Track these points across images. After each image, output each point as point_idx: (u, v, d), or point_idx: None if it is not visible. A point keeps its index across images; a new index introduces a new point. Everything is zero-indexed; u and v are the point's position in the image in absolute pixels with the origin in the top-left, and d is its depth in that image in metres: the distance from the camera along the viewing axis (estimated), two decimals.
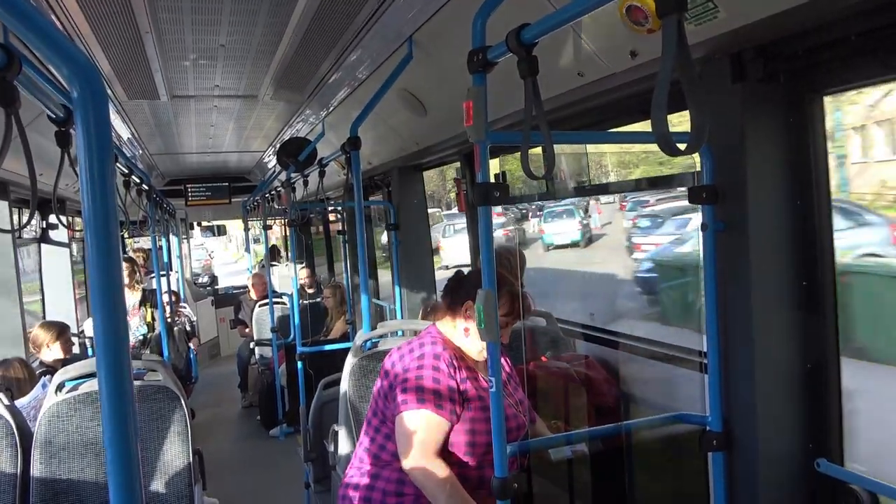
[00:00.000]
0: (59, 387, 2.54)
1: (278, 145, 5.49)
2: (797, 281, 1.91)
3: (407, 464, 2.10)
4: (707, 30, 1.72)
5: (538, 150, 1.62)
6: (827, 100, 1.87)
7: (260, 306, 7.03)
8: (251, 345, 7.12)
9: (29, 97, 1.53)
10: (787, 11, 1.55)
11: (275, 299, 6.31)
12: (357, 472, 2.26)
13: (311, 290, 7.45)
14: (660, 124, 1.06)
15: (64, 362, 3.92)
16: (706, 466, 2.05)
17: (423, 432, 2.07)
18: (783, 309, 1.90)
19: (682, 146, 1.12)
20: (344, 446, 2.80)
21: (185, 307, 7.94)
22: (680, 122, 1.77)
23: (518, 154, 1.58)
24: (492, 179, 1.68)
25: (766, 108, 1.86)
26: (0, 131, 1.43)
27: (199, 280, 11.87)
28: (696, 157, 1.95)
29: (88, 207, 0.80)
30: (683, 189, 2.05)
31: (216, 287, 11.56)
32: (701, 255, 1.95)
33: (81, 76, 0.77)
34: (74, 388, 2.54)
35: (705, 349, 2.00)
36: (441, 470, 2.05)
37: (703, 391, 2.05)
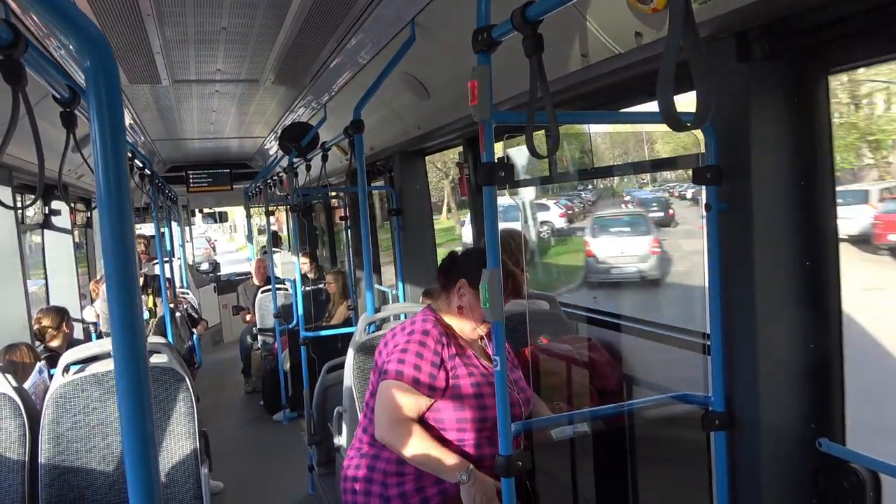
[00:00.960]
0: (66, 369, 2.56)
1: (280, 130, 5.48)
2: (801, 261, 1.91)
3: (378, 430, 2.15)
4: (712, 8, 1.72)
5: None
6: None
7: (262, 292, 7.05)
8: (254, 330, 7.15)
9: (35, 76, 1.53)
10: None
11: (277, 285, 6.33)
12: (357, 453, 2.29)
13: (312, 276, 7.47)
14: (666, 100, 1.06)
15: (68, 346, 3.95)
16: (708, 446, 2.06)
17: (396, 401, 2.12)
18: (786, 289, 1.91)
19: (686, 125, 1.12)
20: (347, 429, 2.82)
21: (187, 293, 7.96)
22: (684, 103, 1.76)
23: (521, 137, 1.59)
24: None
25: (771, 88, 1.85)
26: (4, 113, 1.44)
27: (202, 267, 11.88)
28: (700, 136, 1.95)
29: (102, 180, 0.80)
30: None
31: (219, 274, 11.58)
32: (704, 236, 1.96)
33: (93, 48, 0.78)
34: (81, 370, 2.55)
35: (709, 330, 2.01)
36: (409, 429, 2.10)
37: (706, 372, 2.06)
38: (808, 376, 1.92)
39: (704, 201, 1.94)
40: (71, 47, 2.89)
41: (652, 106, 2.30)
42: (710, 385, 2.01)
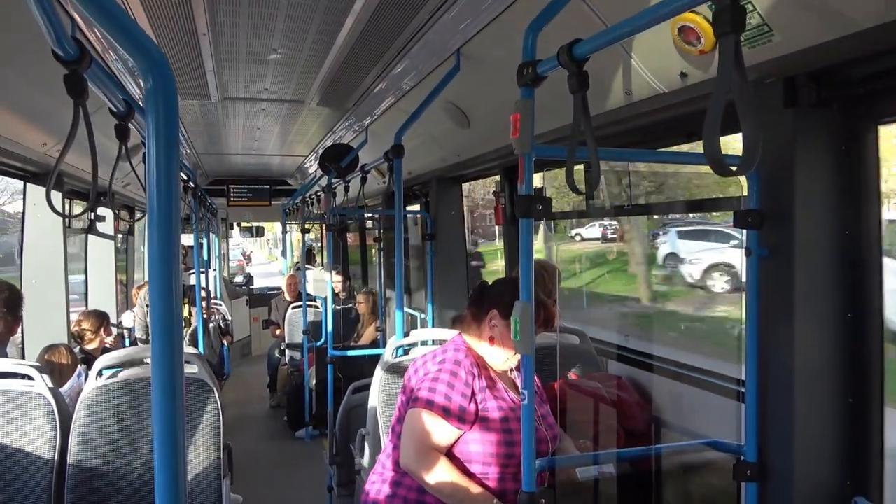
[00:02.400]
0: (99, 373, 2.61)
1: (321, 150, 5.58)
2: (842, 312, 1.86)
3: (404, 457, 2.12)
4: (760, 53, 1.71)
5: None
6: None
7: (293, 308, 7.12)
8: (282, 346, 7.21)
9: (95, 90, 1.60)
10: (842, 38, 1.53)
11: (308, 303, 6.39)
12: (379, 478, 2.27)
13: (343, 296, 7.52)
14: (712, 144, 1.05)
15: (103, 351, 4.04)
16: (738, 497, 2.00)
17: (424, 430, 2.09)
18: (826, 340, 1.86)
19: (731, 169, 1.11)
20: (369, 452, 2.81)
21: (220, 304, 8.09)
22: (729, 143, 1.75)
23: (559, 170, 1.59)
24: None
25: (817, 135, 1.83)
26: (60, 123, 1.50)
27: (235, 280, 12.07)
28: (743, 179, 1.92)
29: (154, 195, 0.83)
30: None
31: (251, 287, 11.74)
32: (744, 281, 1.92)
33: (155, 69, 0.81)
34: (114, 376, 2.60)
35: (744, 377, 1.96)
36: (435, 459, 2.07)
37: (739, 419, 2.01)
38: (845, 431, 1.86)
39: (745, 245, 1.91)
40: (129, 62, 3.00)
41: (695, 146, 2.29)
42: (742, 433, 1.95)
